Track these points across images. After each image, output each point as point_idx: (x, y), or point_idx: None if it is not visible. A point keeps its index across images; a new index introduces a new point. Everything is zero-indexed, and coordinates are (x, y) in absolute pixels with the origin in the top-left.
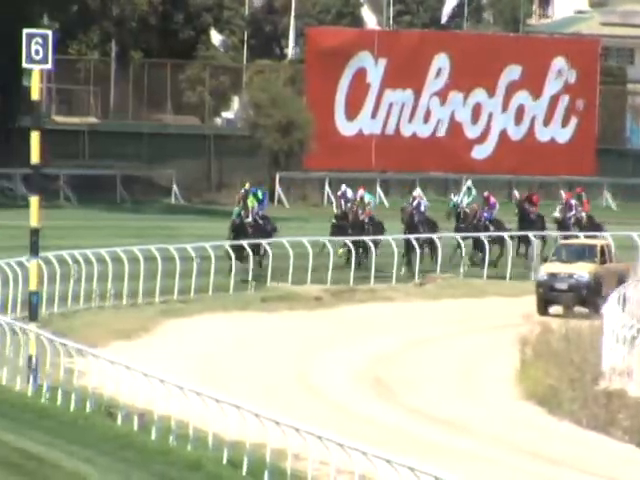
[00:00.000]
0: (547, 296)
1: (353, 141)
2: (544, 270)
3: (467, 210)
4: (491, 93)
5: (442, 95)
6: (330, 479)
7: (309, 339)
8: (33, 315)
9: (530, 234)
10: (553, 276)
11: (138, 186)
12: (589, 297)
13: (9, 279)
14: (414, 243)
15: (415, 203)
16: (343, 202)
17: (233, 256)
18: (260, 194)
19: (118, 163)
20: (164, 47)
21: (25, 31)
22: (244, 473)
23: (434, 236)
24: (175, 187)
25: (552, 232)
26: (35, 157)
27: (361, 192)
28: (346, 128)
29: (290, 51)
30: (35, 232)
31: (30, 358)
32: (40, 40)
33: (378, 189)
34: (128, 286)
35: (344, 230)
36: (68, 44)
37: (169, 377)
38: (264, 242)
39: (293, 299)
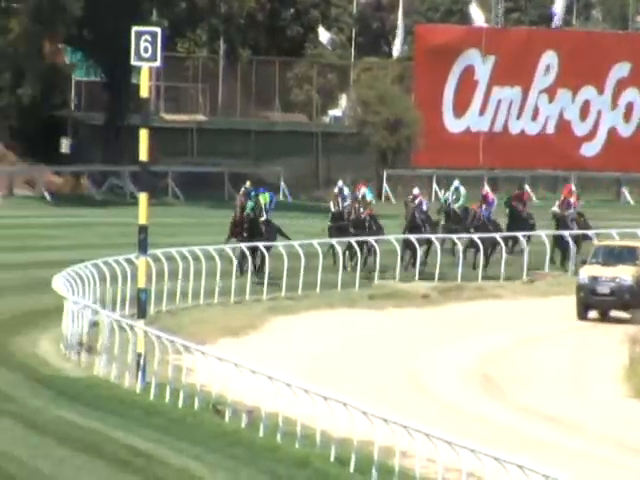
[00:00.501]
0: (588, 300)
1: (461, 138)
2: (584, 273)
3: (457, 210)
4: (600, 90)
5: (550, 92)
6: (438, 477)
7: (417, 337)
8: (141, 312)
9: (520, 234)
10: (594, 279)
11: None
12: (632, 301)
13: (118, 276)
14: (415, 242)
15: (417, 201)
16: (340, 200)
17: (250, 255)
18: (268, 196)
19: (226, 161)
20: (272, 45)
21: (134, 28)
22: (352, 470)
23: (432, 236)
24: (283, 184)
25: (548, 231)
26: (144, 155)
27: (363, 189)
28: (454, 125)
29: (398, 48)
30: (143, 229)
31: (139, 355)
32: (149, 37)
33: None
34: (235, 283)
35: (343, 231)
36: (176, 42)
37: (277, 374)
38: (278, 244)
39: (401, 297)
